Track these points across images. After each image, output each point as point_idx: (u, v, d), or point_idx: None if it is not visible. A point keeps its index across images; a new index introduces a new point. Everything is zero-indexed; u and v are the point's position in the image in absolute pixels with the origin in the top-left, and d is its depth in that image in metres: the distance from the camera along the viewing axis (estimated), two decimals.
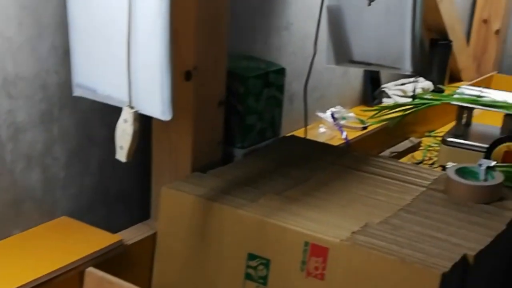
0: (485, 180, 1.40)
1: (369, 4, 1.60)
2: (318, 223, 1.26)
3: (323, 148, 1.65)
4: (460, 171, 1.43)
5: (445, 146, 1.98)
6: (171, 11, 1.07)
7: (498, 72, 2.91)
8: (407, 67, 1.64)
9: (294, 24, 1.93)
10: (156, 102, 1.12)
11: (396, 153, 2.13)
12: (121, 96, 1.17)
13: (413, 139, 2.24)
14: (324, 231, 1.23)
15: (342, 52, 1.71)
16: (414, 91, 1.92)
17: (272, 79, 1.60)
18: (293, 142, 1.68)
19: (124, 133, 1.17)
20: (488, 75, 2.82)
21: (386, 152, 2.13)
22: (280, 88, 1.63)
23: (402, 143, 2.22)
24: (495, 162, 1.44)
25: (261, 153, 1.60)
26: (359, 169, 1.51)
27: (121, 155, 1.19)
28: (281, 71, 1.63)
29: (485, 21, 2.84)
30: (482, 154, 1.89)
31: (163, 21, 1.07)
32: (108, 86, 1.20)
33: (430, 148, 2.20)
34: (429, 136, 2.32)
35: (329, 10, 1.67)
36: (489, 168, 1.42)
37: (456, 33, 2.59)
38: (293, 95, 1.97)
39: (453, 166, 1.46)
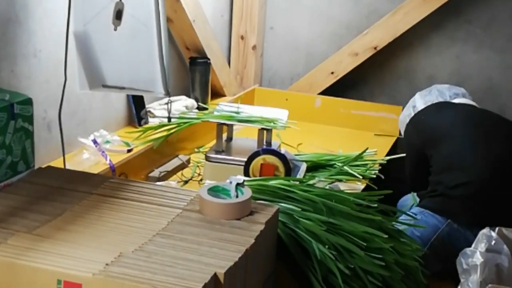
0: (236, 196, 1.47)
1: (115, 29, 1.60)
2: (71, 259, 1.23)
3: (81, 177, 1.61)
4: (213, 190, 1.48)
5: (208, 162, 2.05)
6: None
7: (260, 85, 3.07)
8: (160, 90, 1.66)
9: (43, 51, 1.86)
10: None
11: (165, 172, 2.15)
12: None
13: (182, 157, 2.28)
14: (76, 266, 1.20)
15: (94, 77, 1.69)
16: (169, 112, 1.96)
17: (18, 110, 1.53)
18: (49, 174, 1.62)
19: None
20: (250, 89, 2.96)
21: (156, 172, 2.14)
22: (29, 118, 1.57)
23: (171, 162, 2.24)
24: (244, 178, 1.50)
25: (13, 188, 1.51)
26: (116, 197, 1.50)
27: None
28: (27, 101, 1.57)
29: (242, 37, 2.98)
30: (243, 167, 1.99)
31: None
32: None
33: (199, 165, 2.26)
34: (198, 152, 2.38)
35: (76, 36, 1.64)
36: (238, 185, 1.48)
37: (213, 51, 2.69)
38: (51, 123, 1.90)
39: (206, 185, 1.51)
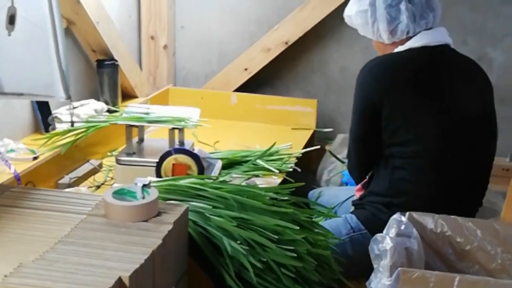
0: (143, 198, 1.44)
1: (9, 35, 1.54)
2: None
3: None
4: (119, 193, 1.45)
5: (119, 165, 2.01)
6: None
7: (174, 85, 3.05)
8: (61, 95, 1.61)
9: None
10: None
11: (76, 178, 2.10)
12: None
13: (94, 161, 2.23)
14: None
15: None
16: (72, 116, 1.91)
17: None
18: None
19: None
20: (164, 89, 2.93)
21: (66, 179, 2.08)
22: None
23: (82, 167, 2.19)
24: (150, 179, 1.48)
25: None
26: (17, 206, 1.45)
27: None
28: None
29: (152, 37, 2.95)
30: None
31: None
32: None
33: (112, 168, 2.21)
34: (111, 155, 2.33)
35: None
36: (145, 186, 1.46)
37: (120, 52, 2.65)
38: None
39: (111, 188, 1.48)
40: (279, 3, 2.94)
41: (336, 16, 2.85)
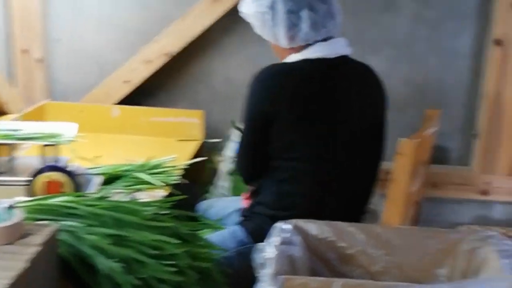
0: (6, 220, 1.34)
1: None
2: None
3: None
4: None
5: None
6: None
7: (51, 100, 2.91)
8: None
9: None
10: None
11: None
12: None
13: None
14: None
15: None
16: None
17: None
18: None
19: None
20: (39, 104, 2.79)
21: None
22: None
23: None
24: (15, 200, 1.39)
25: None
26: None
27: None
28: None
29: (25, 51, 2.81)
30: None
31: None
32: None
33: None
34: None
35: None
36: (11, 207, 1.36)
37: None
38: None
39: None
40: (158, 13, 2.88)
41: (219, 27, 2.83)
